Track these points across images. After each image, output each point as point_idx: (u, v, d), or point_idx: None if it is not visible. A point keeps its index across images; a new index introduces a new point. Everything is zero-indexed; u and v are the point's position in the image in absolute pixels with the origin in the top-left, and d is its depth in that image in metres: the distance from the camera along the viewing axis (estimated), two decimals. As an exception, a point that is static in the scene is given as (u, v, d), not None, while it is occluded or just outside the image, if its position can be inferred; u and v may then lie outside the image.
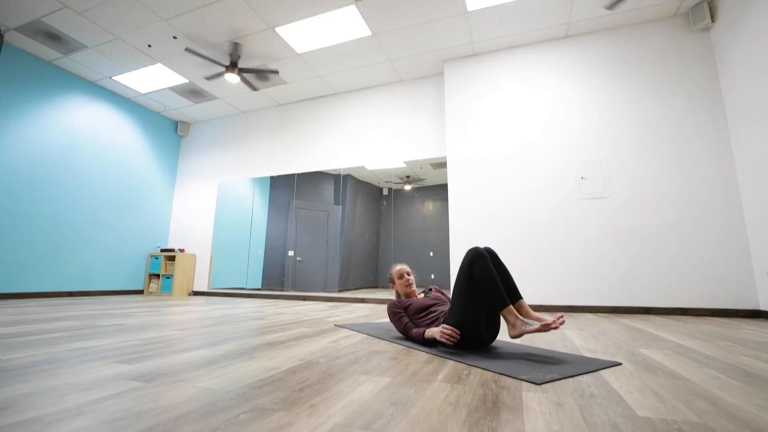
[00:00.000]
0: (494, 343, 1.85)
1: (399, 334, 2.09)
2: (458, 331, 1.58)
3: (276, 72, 4.55)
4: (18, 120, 4.54)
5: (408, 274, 2.06)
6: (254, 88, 4.90)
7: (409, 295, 2.06)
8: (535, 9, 3.79)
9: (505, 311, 1.53)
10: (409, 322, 1.87)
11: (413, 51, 4.52)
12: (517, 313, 1.54)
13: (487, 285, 1.54)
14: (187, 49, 4.19)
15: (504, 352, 1.63)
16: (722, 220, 3.36)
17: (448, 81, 4.62)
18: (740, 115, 3.28)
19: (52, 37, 4.32)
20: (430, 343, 1.74)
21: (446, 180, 4.55)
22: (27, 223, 4.58)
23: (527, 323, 1.51)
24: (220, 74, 4.60)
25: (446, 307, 1.84)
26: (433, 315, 1.84)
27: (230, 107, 6.09)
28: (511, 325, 1.53)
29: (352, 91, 5.55)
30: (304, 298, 5.19)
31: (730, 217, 3.34)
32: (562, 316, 1.42)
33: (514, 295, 1.67)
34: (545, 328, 1.43)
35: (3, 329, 2.13)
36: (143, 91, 5.56)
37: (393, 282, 2.09)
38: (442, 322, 1.74)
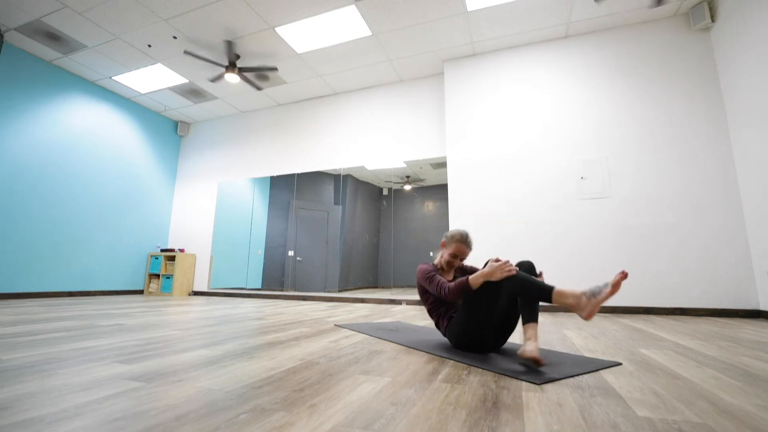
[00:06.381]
0: (494, 343, 1.85)
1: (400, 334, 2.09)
2: (508, 261, 1.47)
3: (275, 69, 4.54)
4: (18, 120, 4.53)
5: (465, 257, 1.89)
6: (258, 88, 4.89)
7: (447, 270, 1.92)
8: (535, 9, 3.78)
9: (554, 296, 1.39)
10: (443, 281, 1.69)
11: (413, 51, 4.52)
12: (572, 291, 1.36)
13: (523, 285, 1.45)
14: (186, 52, 4.19)
15: (504, 352, 1.63)
16: (722, 220, 3.36)
17: (448, 81, 4.61)
18: (740, 114, 3.28)
19: (52, 37, 4.32)
20: (470, 293, 1.54)
21: (446, 180, 4.54)
22: (27, 223, 4.58)
23: (593, 291, 1.31)
24: (221, 75, 4.60)
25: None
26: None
27: (230, 107, 6.09)
28: (574, 306, 1.34)
29: (352, 91, 5.55)
30: (304, 298, 5.18)
31: (730, 217, 3.34)
32: (623, 271, 1.27)
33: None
34: (617, 286, 1.25)
35: (3, 329, 2.13)
36: (143, 91, 5.56)
37: (449, 246, 1.87)
38: (451, 312, 1.74)
